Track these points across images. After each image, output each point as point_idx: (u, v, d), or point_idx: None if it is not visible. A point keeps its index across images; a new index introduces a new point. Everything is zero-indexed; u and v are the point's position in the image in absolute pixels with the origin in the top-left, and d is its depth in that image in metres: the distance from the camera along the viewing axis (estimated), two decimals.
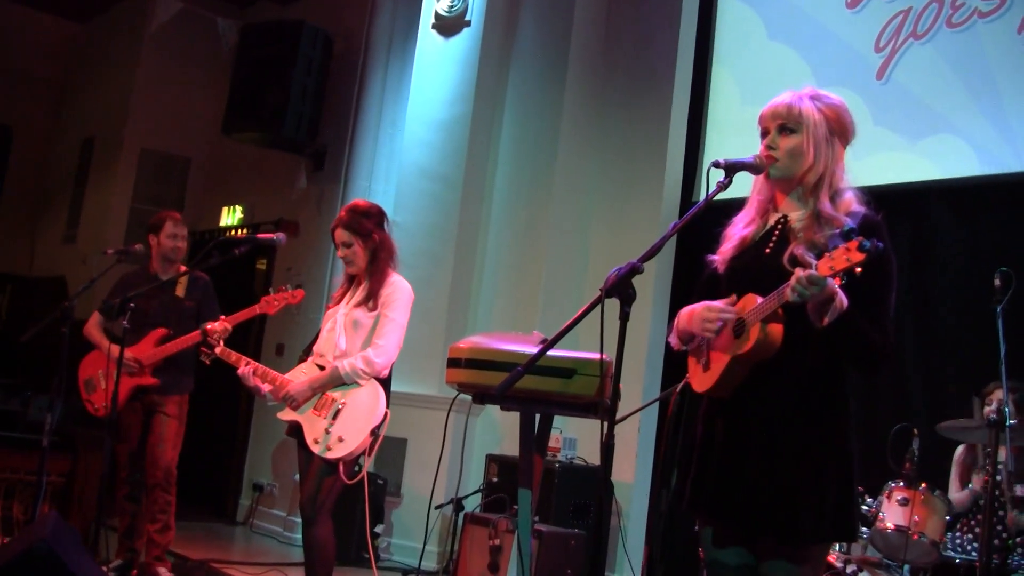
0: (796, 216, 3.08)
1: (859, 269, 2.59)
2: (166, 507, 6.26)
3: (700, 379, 3.09)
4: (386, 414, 4.91)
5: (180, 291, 6.44)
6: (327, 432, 4.85)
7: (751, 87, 7.65)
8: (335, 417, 4.87)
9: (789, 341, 2.88)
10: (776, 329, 2.87)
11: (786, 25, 7.54)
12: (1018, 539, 5.47)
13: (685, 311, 3.13)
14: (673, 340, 3.19)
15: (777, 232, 3.09)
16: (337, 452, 4.81)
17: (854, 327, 2.82)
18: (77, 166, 12.86)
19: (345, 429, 4.83)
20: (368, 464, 4.98)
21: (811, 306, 2.76)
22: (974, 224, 6.47)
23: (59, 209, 13.11)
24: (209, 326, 5.66)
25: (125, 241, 10.91)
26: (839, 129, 3.09)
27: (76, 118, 13.21)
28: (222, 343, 5.67)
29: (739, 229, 3.18)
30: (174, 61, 11.89)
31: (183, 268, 6.49)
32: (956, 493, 5.84)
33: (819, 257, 2.68)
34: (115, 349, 6.01)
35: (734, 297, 3.01)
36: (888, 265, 2.95)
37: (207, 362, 6.20)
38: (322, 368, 5.00)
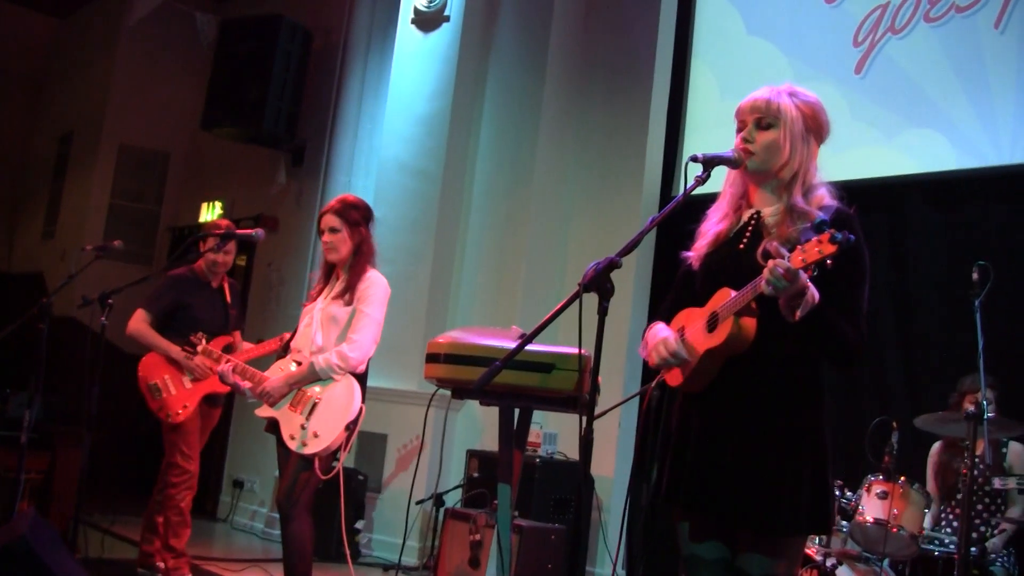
0: (769, 211, 3.09)
1: (830, 262, 2.60)
2: None
3: (673, 373, 3.09)
4: (361, 409, 4.90)
5: (228, 298, 6.55)
6: (303, 428, 4.83)
7: (730, 81, 7.67)
8: (311, 413, 4.85)
9: (763, 334, 2.88)
10: (749, 323, 2.87)
11: (765, 19, 7.55)
12: (996, 532, 5.51)
13: (653, 329, 3.13)
14: (643, 352, 3.19)
15: (751, 228, 3.10)
16: (312, 447, 4.79)
17: (826, 321, 2.82)
18: (55, 161, 12.82)
19: (320, 424, 4.82)
20: (344, 459, 4.97)
21: (783, 300, 2.75)
22: (952, 218, 6.50)
23: (37, 205, 13.06)
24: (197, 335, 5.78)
25: (104, 236, 10.89)
26: (815, 127, 3.10)
27: (54, 113, 13.15)
28: (204, 341, 5.70)
29: (712, 224, 3.18)
30: (153, 56, 11.86)
31: (226, 278, 6.58)
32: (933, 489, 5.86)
33: (792, 251, 2.68)
34: (176, 350, 6.05)
35: (693, 359, 3.00)
36: (860, 258, 2.95)
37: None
38: (299, 364, 4.99)
